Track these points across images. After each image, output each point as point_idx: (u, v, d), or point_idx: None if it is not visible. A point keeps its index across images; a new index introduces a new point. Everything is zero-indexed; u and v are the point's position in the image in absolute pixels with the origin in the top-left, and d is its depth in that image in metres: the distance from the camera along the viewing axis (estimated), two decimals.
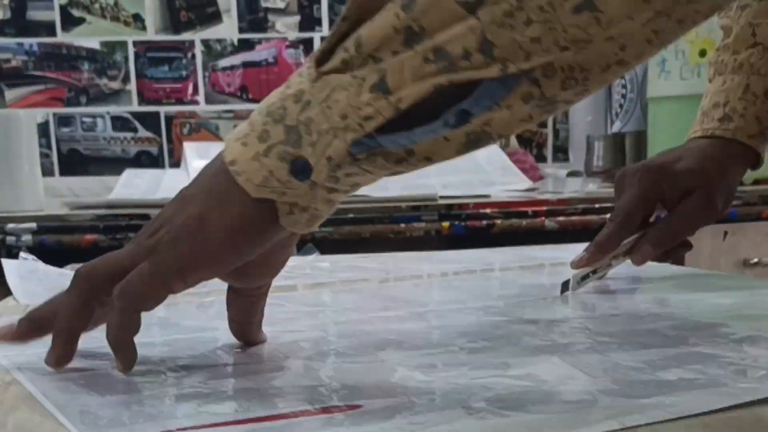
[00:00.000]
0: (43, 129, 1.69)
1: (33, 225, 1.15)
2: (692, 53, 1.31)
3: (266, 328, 0.51)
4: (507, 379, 0.41)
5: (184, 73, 1.72)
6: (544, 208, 1.24)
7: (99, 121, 1.72)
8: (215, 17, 1.71)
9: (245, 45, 1.72)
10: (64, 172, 1.71)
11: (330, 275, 0.78)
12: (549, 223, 1.23)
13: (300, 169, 0.39)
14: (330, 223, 1.19)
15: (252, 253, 0.43)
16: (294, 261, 0.92)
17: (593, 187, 1.42)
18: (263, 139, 0.40)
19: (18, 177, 1.22)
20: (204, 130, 1.74)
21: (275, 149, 0.39)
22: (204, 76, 1.73)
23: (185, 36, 1.71)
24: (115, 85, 1.71)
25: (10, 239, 1.14)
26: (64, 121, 1.71)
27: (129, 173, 1.50)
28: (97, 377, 0.44)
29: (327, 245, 1.17)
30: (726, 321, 0.52)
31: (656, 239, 0.65)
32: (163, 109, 1.72)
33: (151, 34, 1.70)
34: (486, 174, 1.46)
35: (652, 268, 0.71)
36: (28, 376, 0.44)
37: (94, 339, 0.47)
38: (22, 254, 0.80)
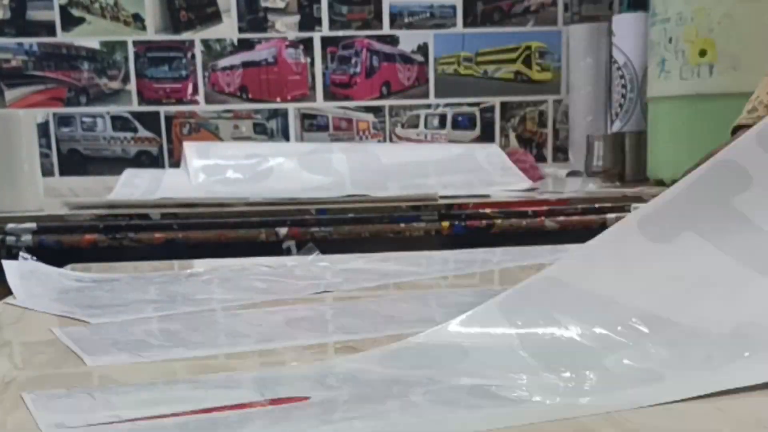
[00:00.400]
0: (43, 129, 1.69)
1: (33, 225, 1.15)
2: (692, 53, 1.31)
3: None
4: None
5: (183, 72, 1.72)
6: (544, 208, 1.24)
7: (99, 121, 1.72)
8: (215, 17, 1.71)
9: (245, 45, 1.72)
10: (64, 172, 1.71)
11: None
12: (549, 223, 1.23)
13: None
14: (330, 223, 1.19)
15: None
16: (294, 261, 0.92)
17: (593, 187, 1.42)
18: None
19: (18, 177, 1.22)
20: (204, 129, 1.74)
21: None
22: (204, 76, 1.73)
23: (185, 36, 1.71)
24: (115, 85, 1.71)
25: (10, 239, 1.14)
26: (64, 121, 1.71)
27: (129, 173, 1.50)
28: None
29: (327, 245, 1.17)
30: None
31: None
32: (163, 109, 1.72)
33: (151, 34, 1.70)
34: (486, 174, 1.47)
35: None
36: None
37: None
38: (21, 254, 0.80)
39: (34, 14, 1.68)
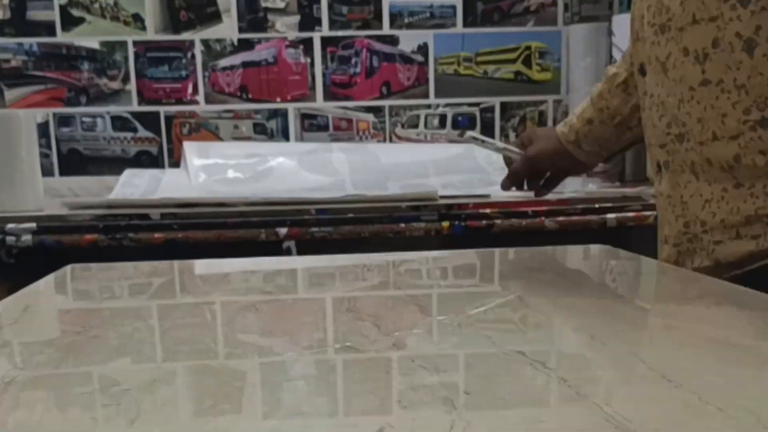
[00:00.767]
0: (43, 129, 1.69)
1: (33, 225, 1.15)
2: None
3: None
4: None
5: (183, 73, 1.72)
6: (544, 208, 1.24)
7: (99, 121, 1.72)
8: (215, 17, 1.71)
9: (245, 45, 1.72)
10: (64, 172, 1.71)
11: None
12: (549, 223, 1.23)
13: None
14: (330, 223, 1.19)
15: None
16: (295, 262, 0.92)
17: (593, 187, 1.42)
18: None
19: (18, 177, 1.22)
20: (204, 129, 1.73)
21: None
22: (204, 76, 1.73)
23: (185, 36, 1.71)
24: (115, 85, 1.71)
25: (10, 239, 1.14)
26: (64, 121, 1.71)
27: (128, 173, 1.50)
28: None
29: (327, 245, 1.17)
30: None
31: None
32: (162, 109, 1.72)
33: (151, 34, 1.70)
34: (486, 174, 1.46)
35: None
36: None
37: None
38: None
39: (34, 14, 1.68)
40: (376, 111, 1.75)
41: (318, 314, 0.63)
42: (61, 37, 1.69)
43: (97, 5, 1.68)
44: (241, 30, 1.72)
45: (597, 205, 1.25)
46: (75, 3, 1.68)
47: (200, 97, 1.73)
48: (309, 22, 1.72)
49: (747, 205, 0.72)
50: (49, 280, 0.80)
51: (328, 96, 1.74)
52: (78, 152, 1.71)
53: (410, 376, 0.44)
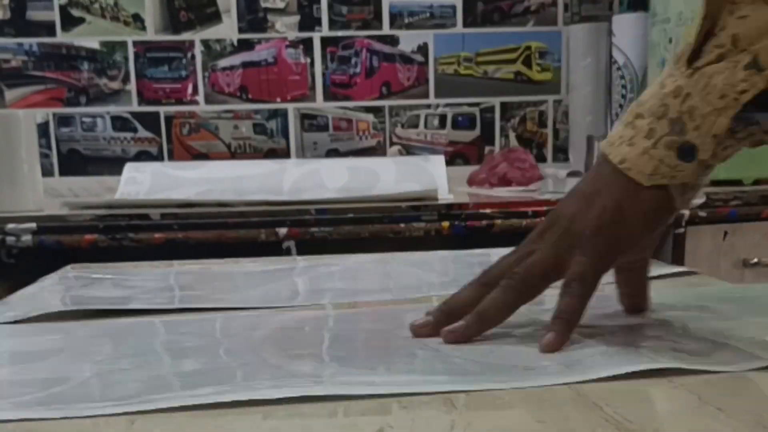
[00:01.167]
0: (43, 129, 1.69)
1: (33, 225, 1.15)
2: None
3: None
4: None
5: (183, 73, 1.72)
6: (544, 208, 1.24)
7: (99, 121, 1.72)
8: (215, 17, 1.71)
9: (245, 45, 1.72)
10: (64, 172, 1.71)
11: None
12: None
13: (686, 152, 0.48)
14: (330, 223, 1.19)
15: (656, 232, 0.52)
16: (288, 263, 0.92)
17: None
18: (650, 135, 0.48)
19: (18, 177, 1.22)
20: (204, 130, 1.74)
21: (662, 141, 0.48)
22: (204, 76, 1.73)
23: (185, 36, 1.71)
24: (115, 85, 1.71)
25: (10, 239, 1.14)
26: (63, 121, 1.71)
27: (130, 167, 1.46)
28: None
29: (327, 245, 1.17)
30: None
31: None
32: (162, 109, 1.72)
33: (151, 34, 1.70)
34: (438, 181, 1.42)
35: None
36: None
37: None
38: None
39: (34, 14, 1.68)
40: (376, 111, 1.75)
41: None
42: (61, 37, 1.69)
43: (97, 5, 1.68)
44: (241, 30, 1.72)
45: None
46: (75, 3, 1.68)
47: (200, 98, 1.73)
48: (309, 22, 1.72)
49: None
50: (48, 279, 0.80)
51: (328, 96, 1.74)
52: (78, 152, 1.71)
53: None
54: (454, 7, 1.74)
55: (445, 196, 1.31)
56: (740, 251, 1.27)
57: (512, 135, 1.78)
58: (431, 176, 1.40)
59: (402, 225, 1.20)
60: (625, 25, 1.55)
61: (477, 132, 1.78)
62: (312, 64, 1.73)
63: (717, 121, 0.47)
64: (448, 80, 1.76)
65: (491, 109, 1.77)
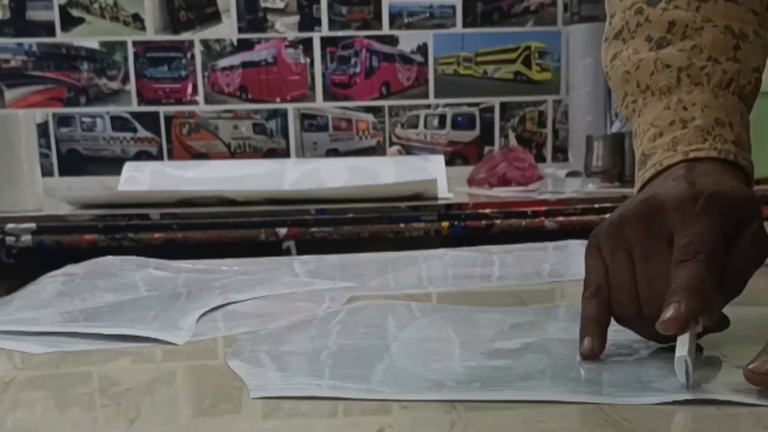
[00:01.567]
0: (42, 129, 1.68)
1: (32, 225, 1.15)
2: None
3: None
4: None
5: (183, 73, 1.72)
6: (544, 208, 1.24)
7: (98, 121, 1.71)
8: (214, 17, 1.71)
9: (244, 45, 1.72)
10: (63, 172, 1.71)
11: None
12: (549, 223, 1.23)
13: None
14: (330, 223, 1.19)
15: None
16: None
17: (593, 188, 1.42)
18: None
19: (18, 177, 1.22)
20: (203, 130, 1.73)
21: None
22: (203, 76, 1.73)
23: (184, 36, 1.71)
24: (115, 85, 1.71)
25: (10, 239, 1.14)
26: (63, 121, 1.71)
27: (129, 166, 1.46)
28: None
29: (327, 245, 1.17)
30: None
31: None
32: (162, 109, 1.72)
33: (151, 34, 1.70)
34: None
35: None
36: None
37: None
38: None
39: (34, 14, 1.67)
40: (376, 111, 1.75)
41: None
42: (60, 37, 1.69)
43: (96, 5, 1.68)
44: (240, 30, 1.72)
45: (597, 206, 1.25)
46: (75, 3, 1.68)
47: (200, 98, 1.73)
48: (309, 22, 1.72)
49: None
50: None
51: (328, 96, 1.74)
52: (77, 152, 1.71)
53: None
54: (453, 7, 1.74)
55: (444, 196, 1.31)
56: None
57: (512, 135, 1.78)
58: (431, 176, 1.40)
59: (402, 225, 1.20)
60: None
61: (476, 132, 1.78)
62: (312, 64, 1.73)
63: None
64: (448, 80, 1.76)
65: (491, 109, 1.77)
